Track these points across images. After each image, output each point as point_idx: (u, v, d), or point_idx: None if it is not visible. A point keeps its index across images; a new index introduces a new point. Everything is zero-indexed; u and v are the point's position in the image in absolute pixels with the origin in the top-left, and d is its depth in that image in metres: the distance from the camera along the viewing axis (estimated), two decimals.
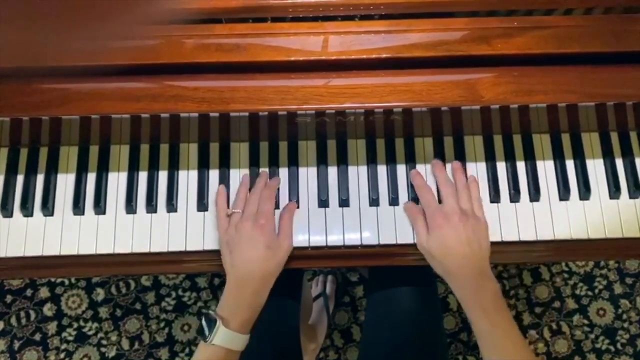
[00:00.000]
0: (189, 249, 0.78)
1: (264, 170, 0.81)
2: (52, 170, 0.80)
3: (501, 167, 0.81)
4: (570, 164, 0.81)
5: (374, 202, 0.80)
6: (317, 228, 0.79)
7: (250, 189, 0.79)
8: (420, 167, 0.81)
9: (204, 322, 0.71)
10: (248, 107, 0.68)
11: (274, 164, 0.81)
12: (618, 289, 1.53)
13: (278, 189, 0.80)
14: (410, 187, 0.80)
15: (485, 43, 0.69)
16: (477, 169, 0.81)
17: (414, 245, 0.78)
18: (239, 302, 0.73)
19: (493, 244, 0.77)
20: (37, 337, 1.49)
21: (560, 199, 0.80)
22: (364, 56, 0.69)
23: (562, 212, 0.80)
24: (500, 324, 0.71)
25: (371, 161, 0.81)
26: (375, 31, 0.70)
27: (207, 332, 0.70)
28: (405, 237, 0.79)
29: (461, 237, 0.72)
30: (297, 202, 0.80)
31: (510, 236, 0.79)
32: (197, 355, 0.71)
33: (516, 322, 1.46)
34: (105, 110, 0.69)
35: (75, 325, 1.49)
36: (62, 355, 1.48)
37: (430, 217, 0.75)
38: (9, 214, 0.79)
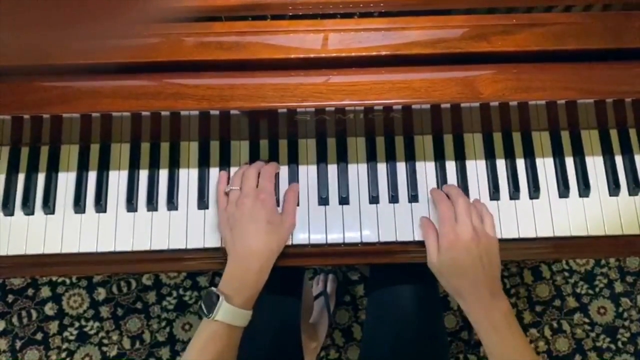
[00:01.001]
0: (189, 246, 0.79)
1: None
2: (53, 168, 0.81)
3: (501, 164, 0.81)
4: (569, 162, 0.81)
5: (374, 199, 0.80)
6: (317, 226, 0.79)
7: None
8: (419, 165, 0.81)
9: (206, 299, 0.70)
10: (248, 104, 0.68)
11: (274, 161, 0.81)
12: (619, 287, 1.53)
13: (278, 184, 0.80)
14: (410, 185, 0.80)
15: (484, 40, 0.69)
16: (477, 167, 0.81)
17: (413, 243, 0.78)
18: (241, 280, 0.72)
19: None
20: (39, 336, 1.49)
21: (560, 196, 0.80)
22: (363, 53, 0.69)
23: (562, 209, 0.80)
24: (513, 342, 0.70)
25: (371, 159, 0.81)
26: (375, 29, 0.70)
27: (210, 308, 0.69)
28: (405, 234, 0.79)
29: (474, 258, 0.71)
30: (297, 200, 0.80)
31: (510, 233, 0.79)
32: (200, 331, 0.70)
33: (517, 321, 1.46)
34: (106, 108, 0.69)
35: (77, 324, 1.50)
36: (63, 355, 1.48)
37: (444, 235, 0.73)
38: (10, 212, 0.79)
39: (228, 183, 0.79)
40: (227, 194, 0.77)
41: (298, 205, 0.80)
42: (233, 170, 0.81)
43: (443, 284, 0.75)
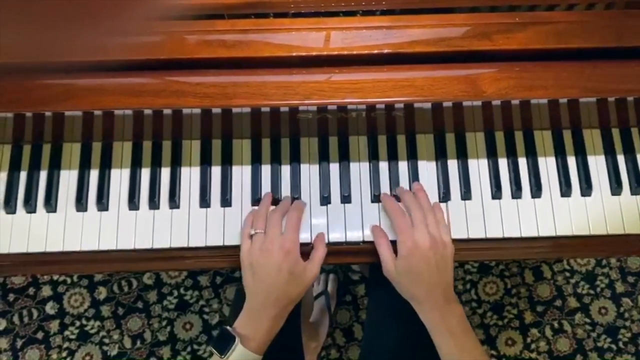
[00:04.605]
0: (191, 245, 0.79)
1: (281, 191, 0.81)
2: (55, 166, 0.81)
3: (503, 163, 0.81)
4: (571, 160, 0.82)
5: (376, 198, 0.80)
6: (319, 225, 0.79)
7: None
8: (421, 164, 0.81)
9: (220, 337, 0.71)
10: (250, 102, 0.68)
11: (276, 160, 0.81)
12: (620, 287, 1.53)
13: (280, 188, 0.80)
14: (412, 184, 0.80)
15: (486, 38, 0.69)
16: (479, 166, 0.81)
17: None
18: (258, 325, 0.73)
19: (495, 240, 0.78)
20: (40, 335, 1.49)
21: (562, 195, 0.80)
22: (366, 52, 0.69)
23: (564, 208, 0.80)
24: (467, 346, 0.72)
25: (373, 158, 0.81)
26: (377, 27, 0.70)
27: (223, 349, 0.70)
28: None
29: (431, 265, 0.72)
30: (299, 198, 0.80)
31: (512, 232, 0.79)
32: None
33: (518, 321, 1.46)
34: (108, 105, 0.69)
35: (78, 323, 1.50)
36: (64, 354, 1.48)
37: (402, 243, 0.73)
38: (12, 210, 0.79)
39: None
40: (251, 236, 0.76)
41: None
42: (235, 169, 0.81)
43: (399, 290, 0.75)
